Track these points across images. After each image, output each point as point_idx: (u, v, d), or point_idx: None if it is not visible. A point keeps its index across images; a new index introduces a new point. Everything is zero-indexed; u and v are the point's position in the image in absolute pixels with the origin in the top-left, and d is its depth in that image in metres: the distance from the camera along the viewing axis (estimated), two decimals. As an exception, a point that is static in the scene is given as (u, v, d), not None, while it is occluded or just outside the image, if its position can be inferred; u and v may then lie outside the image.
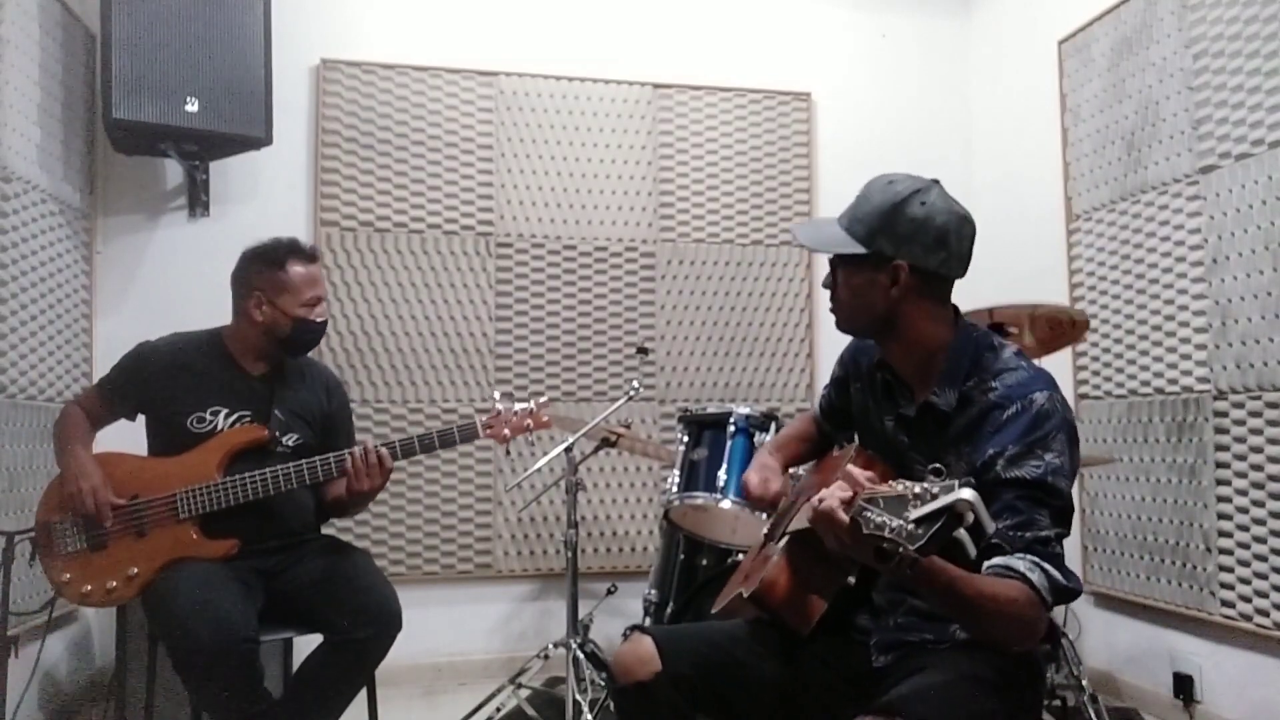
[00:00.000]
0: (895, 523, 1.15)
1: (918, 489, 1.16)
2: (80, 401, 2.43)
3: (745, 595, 1.58)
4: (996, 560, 1.38)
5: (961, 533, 1.13)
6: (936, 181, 1.59)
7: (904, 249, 1.53)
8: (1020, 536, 1.38)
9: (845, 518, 1.23)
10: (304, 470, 2.26)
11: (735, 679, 1.62)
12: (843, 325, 1.68)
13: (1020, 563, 1.36)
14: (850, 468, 1.35)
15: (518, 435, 2.42)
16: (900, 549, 1.15)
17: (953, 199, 1.58)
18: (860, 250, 1.55)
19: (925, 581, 1.30)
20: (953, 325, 1.61)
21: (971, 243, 1.57)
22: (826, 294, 1.67)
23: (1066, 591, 1.39)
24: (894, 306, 1.56)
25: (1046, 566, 1.37)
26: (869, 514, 1.19)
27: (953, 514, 1.12)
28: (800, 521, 1.54)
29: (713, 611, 1.78)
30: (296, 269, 2.36)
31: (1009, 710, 1.46)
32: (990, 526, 1.15)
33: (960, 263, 1.56)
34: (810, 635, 1.56)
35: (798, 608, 1.55)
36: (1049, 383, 1.51)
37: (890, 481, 1.23)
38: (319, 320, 2.39)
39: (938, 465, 1.18)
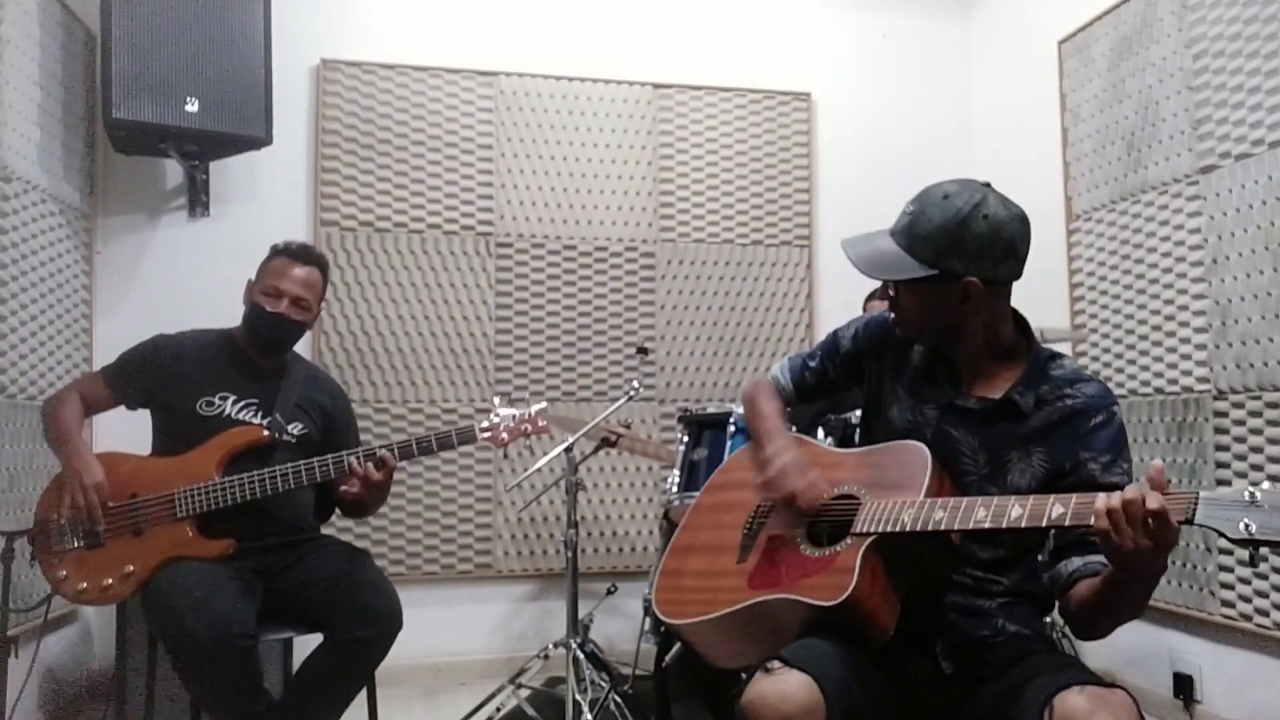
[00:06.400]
0: (1244, 519, 1.28)
1: (1247, 492, 1.27)
2: (79, 387, 2.42)
3: (830, 605, 1.44)
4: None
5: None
6: (988, 185, 1.55)
7: (973, 265, 1.51)
8: None
9: (1180, 518, 1.31)
10: (301, 471, 2.27)
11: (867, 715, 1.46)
12: (906, 334, 1.67)
13: None
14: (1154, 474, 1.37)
15: (515, 440, 2.44)
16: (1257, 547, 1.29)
17: (1007, 201, 1.54)
18: (930, 273, 1.52)
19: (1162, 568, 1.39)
20: (1013, 322, 1.63)
21: (1030, 240, 1.57)
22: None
23: None
24: (963, 317, 1.56)
25: None
26: (1207, 509, 1.31)
27: None
28: (877, 523, 1.48)
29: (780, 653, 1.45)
30: (274, 261, 2.44)
31: None
32: None
33: (1023, 264, 1.57)
34: (887, 646, 1.48)
35: (881, 614, 1.47)
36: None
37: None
38: (270, 310, 2.38)
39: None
